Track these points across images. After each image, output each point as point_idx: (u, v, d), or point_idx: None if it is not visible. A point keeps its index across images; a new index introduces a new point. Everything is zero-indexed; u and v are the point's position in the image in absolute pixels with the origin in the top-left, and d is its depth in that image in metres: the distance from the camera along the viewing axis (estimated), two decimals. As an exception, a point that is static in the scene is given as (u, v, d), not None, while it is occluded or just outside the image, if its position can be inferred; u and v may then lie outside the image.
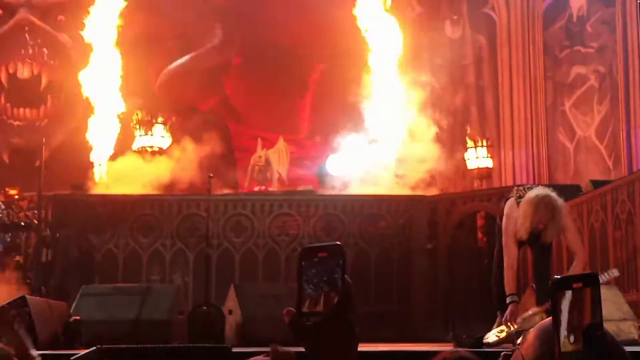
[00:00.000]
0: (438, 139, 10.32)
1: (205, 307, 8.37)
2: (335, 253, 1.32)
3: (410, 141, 10.55)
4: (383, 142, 10.79)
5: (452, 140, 12.30)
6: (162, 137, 11.95)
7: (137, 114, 11.66)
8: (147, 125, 11.67)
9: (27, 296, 7.07)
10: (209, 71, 12.53)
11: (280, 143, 12.04)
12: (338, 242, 1.36)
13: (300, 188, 11.39)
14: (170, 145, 12.16)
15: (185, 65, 12.73)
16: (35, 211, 9.63)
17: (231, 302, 8.54)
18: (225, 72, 13.09)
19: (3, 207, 9.41)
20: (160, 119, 11.65)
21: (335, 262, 1.31)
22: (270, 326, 8.06)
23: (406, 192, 10.50)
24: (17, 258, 9.26)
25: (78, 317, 7.20)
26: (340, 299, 1.30)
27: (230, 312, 8.37)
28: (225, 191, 11.04)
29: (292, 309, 1.31)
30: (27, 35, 12.56)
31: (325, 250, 1.32)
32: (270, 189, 11.44)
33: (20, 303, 6.86)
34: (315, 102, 12.92)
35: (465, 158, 12.14)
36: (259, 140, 12.24)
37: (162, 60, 12.70)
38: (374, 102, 11.15)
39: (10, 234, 9.24)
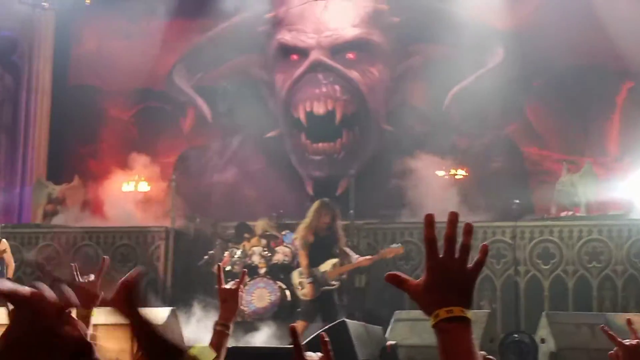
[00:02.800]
0: None
1: (516, 335, 8.26)
2: None
3: None
4: None
5: None
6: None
7: None
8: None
9: (346, 320, 7.45)
10: (504, 96, 12.39)
11: (587, 166, 11.59)
12: None
13: (611, 212, 10.88)
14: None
15: (470, 87, 12.73)
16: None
17: (543, 330, 8.36)
18: (525, 98, 12.89)
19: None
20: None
21: None
22: (585, 356, 7.80)
23: None
24: (333, 284, 9.74)
25: (394, 342, 7.43)
26: None
27: (542, 341, 8.19)
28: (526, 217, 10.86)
29: None
30: (320, 75, 13.30)
31: None
32: (578, 214, 11.03)
33: (340, 326, 7.25)
34: (624, 122, 12.29)
35: None
36: (564, 164, 11.87)
37: (441, 83, 12.80)
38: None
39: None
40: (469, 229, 1.51)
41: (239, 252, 9.81)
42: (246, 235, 10.26)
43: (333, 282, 8.75)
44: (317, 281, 8.72)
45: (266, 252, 9.75)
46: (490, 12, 12.51)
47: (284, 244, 9.92)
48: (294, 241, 9.76)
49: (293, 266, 9.69)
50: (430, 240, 1.51)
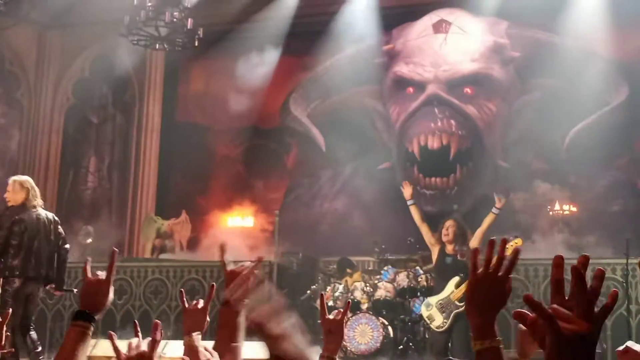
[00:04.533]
0: None
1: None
2: None
3: None
4: None
5: None
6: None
7: None
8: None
9: (452, 358, 7.34)
10: (616, 130, 12.06)
11: None
12: None
13: None
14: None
15: (592, 125, 12.39)
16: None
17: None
18: (634, 130, 12.52)
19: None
20: None
21: None
22: None
23: None
24: (460, 305, 9.57)
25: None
26: None
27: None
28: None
29: None
30: (435, 109, 13.22)
31: None
32: None
33: None
34: None
35: None
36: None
37: (559, 119, 12.53)
38: None
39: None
40: (601, 275, 1.53)
41: (340, 288, 9.80)
42: (348, 270, 10.25)
43: (460, 304, 8.47)
44: (445, 308, 8.53)
45: (368, 288, 9.71)
46: (604, 46, 12.29)
47: (385, 280, 9.83)
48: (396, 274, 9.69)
49: (396, 302, 9.62)
50: (557, 282, 1.53)
